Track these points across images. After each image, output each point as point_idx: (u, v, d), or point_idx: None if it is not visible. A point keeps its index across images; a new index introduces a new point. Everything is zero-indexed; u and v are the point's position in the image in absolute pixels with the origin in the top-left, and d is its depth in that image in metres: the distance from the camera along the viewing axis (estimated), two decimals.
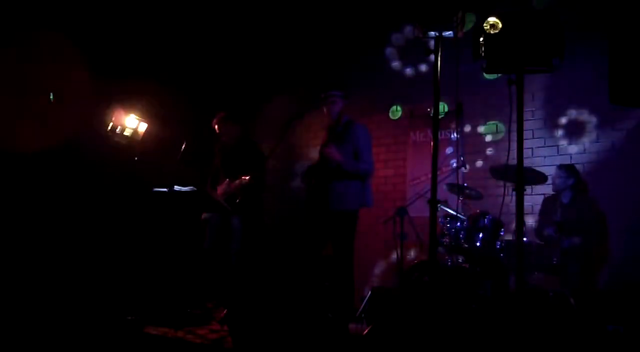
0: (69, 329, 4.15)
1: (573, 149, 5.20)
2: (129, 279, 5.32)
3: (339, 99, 4.34)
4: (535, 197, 5.21)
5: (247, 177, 4.62)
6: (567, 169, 4.69)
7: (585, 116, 5.16)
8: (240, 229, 4.90)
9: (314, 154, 4.87)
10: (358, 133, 4.28)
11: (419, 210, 5.61)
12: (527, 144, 5.27)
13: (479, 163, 5.69)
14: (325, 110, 4.39)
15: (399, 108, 6.34)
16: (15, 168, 5.23)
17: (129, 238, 5.64)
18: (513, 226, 4.21)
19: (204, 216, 5.07)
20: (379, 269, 6.12)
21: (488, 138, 5.69)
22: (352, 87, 6.28)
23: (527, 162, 3.77)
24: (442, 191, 4.99)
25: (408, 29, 6.31)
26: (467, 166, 5.64)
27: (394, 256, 5.04)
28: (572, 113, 5.24)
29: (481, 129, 5.75)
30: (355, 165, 4.18)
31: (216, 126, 5.13)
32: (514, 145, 2.94)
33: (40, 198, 5.33)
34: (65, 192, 5.48)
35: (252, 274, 4.95)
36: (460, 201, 4.82)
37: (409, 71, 6.34)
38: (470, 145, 5.75)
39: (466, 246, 4.48)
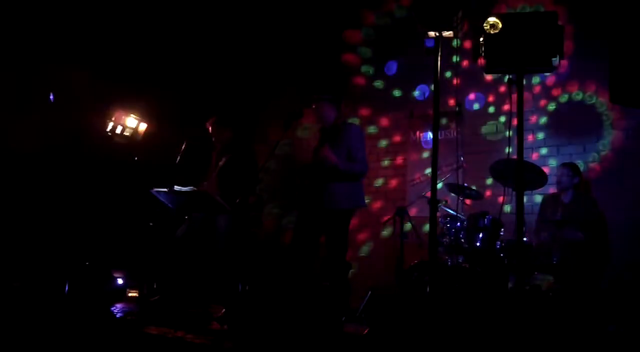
0: (68, 329, 4.15)
1: (573, 148, 5.19)
2: (128, 279, 5.32)
3: (327, 102, 4.22)
4: (534, 197, 5.21)
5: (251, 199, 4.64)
6: (572, 168, 4.67)
7: (585, 116, 5.16)
8: (226, 229, 4.86)
9: None
10: (351, 133, 4.20)
11: (419, 210, 5.63)
12: (527, 143, 5.30)
13: (479, 163, 5.68)
14: (313, 112, 4.29)
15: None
16: (16, 168, 5.23)
17: (128, 238, 5.65)
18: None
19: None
20: (379, 268, 6.11)
21: (488, 138, 5.69)
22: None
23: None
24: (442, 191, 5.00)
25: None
26: (466, 165, 5.64)
27: (394, 255, 5.03)
28: (573, 113, 5.24)
29: (481, 129, 5.75)
30: (350, 166, 4.10)
31: (209, 129, 5.11)
32: (514, 145, 2.94)
33: (41, 198, 5.33)
34: (66, 192, 5.47)
35: (243, 274, 4.93)
36: (460, 200, 4.82)
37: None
38: (471, 145, 5.74)
39: (466, 246, 4.48)
